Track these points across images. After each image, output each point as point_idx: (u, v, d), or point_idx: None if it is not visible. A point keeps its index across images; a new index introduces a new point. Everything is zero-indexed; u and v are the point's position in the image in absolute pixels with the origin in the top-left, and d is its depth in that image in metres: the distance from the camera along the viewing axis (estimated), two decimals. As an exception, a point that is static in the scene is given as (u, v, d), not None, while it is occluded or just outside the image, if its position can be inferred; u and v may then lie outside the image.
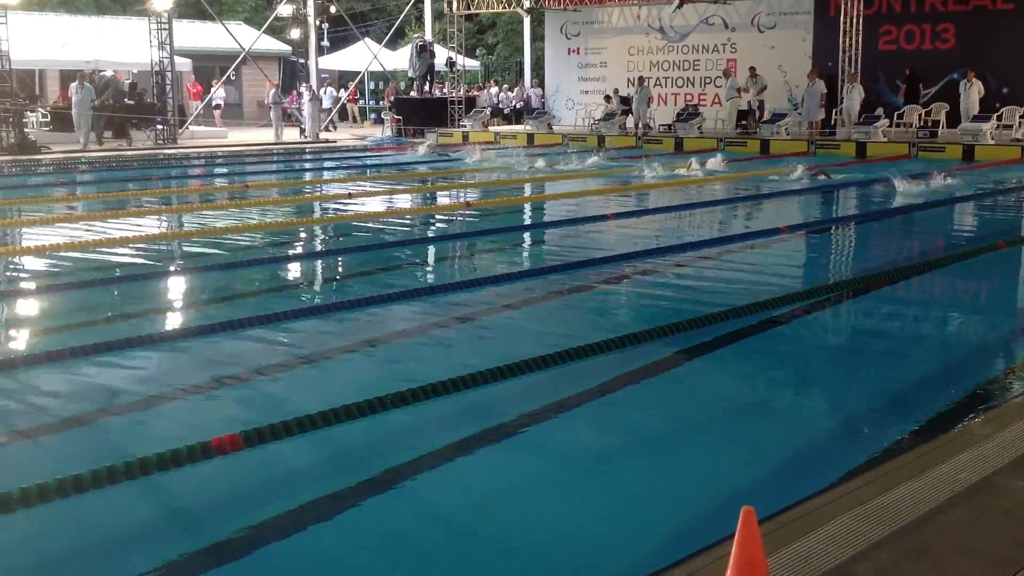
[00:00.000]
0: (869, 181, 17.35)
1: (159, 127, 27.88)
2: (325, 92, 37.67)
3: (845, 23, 24.47)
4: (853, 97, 24.31)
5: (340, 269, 10.54)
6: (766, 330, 7.37)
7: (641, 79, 28.41)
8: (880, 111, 24.55)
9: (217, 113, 34.98)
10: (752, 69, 26.47)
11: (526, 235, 12.99)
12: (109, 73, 29.44)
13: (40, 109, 30.02)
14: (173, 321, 8.19)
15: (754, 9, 28.01)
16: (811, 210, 14.95)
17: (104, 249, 10.81)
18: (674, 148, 25.90)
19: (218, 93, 34.54)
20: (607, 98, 29.56)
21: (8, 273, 9.96)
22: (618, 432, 5.41)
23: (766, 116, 26.20)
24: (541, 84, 34.96)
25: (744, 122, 26.74)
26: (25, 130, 25.00)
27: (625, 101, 29.01)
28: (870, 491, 3.85)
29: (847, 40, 24.51)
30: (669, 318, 7.38)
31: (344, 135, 32.61)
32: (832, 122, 25.27)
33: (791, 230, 12.14)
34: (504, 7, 32.85)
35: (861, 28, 24.38)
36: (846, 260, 11.58)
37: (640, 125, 27.86)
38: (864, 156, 22.89)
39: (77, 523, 4.23)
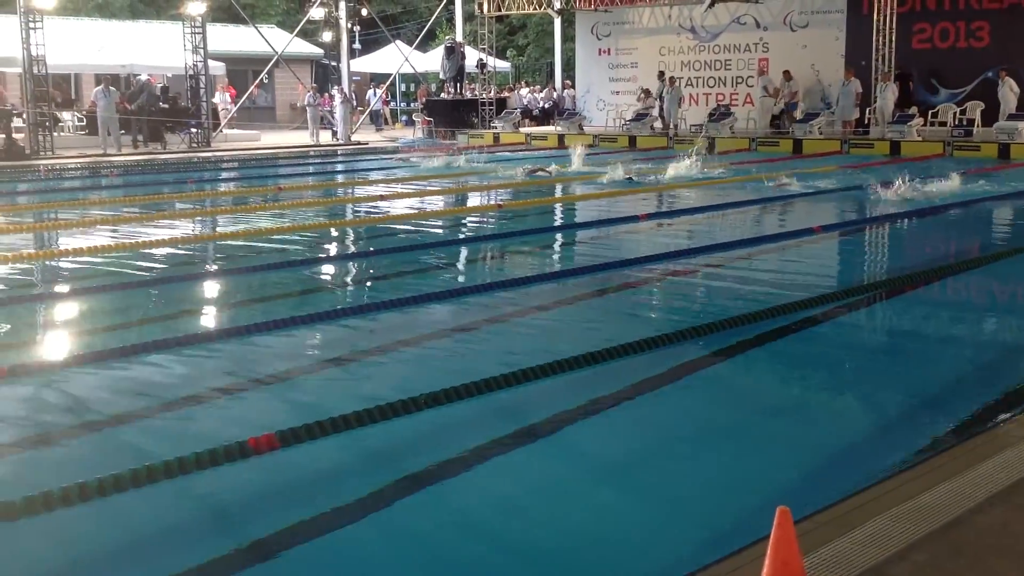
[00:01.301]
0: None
1: (193, 130, 28.12)
2: (373, 93, 38.01)
3: (879, 21, 24.30)
4: (887, 96, 24.13)
5: (373, 270, 10.58)
6: (799, 331, 7.32)
7: (672, 79, 28.33)
8: (914, 110, 24.35)
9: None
10: (787, 73, 26.28)
11: (558, 236, 12.98)
12: (144, 77, 29.74)
13: (76, 113, 30.39)
14: (208, 323, 8.26)
15: (786, 8, 27.84)
16: (837, 213, 14.82)
17: (137, 252, 10.91)
18: (706, 148, 25.81)
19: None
20: (646, 92, 29.44)
21: (45, 276, 10.07)
22: (652, 433, 5.40)
23: (799, 116, 26.04)
24: (572, 85, 34.93)
25: (778, 121, 26.56)
26: (55, 133, 25.36)
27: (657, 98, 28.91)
28: (907, 491, 3.83)
29: (880, 38, 24.33)
30: (701, 319, 7.36)
31: (375, 137, 32.72)
32: (866, 121, 25.10)
33: (824, 230, 12.06)
34: (535, 8, 32.84)
35: (895, 26, 24.20)
36: (877, 261, 11.50)
37: (671, 126, 27.78)
38: (898, 155, 22.71)
39: (117, 522, 4.27)
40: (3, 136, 23.56)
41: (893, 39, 24.20)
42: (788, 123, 26.06)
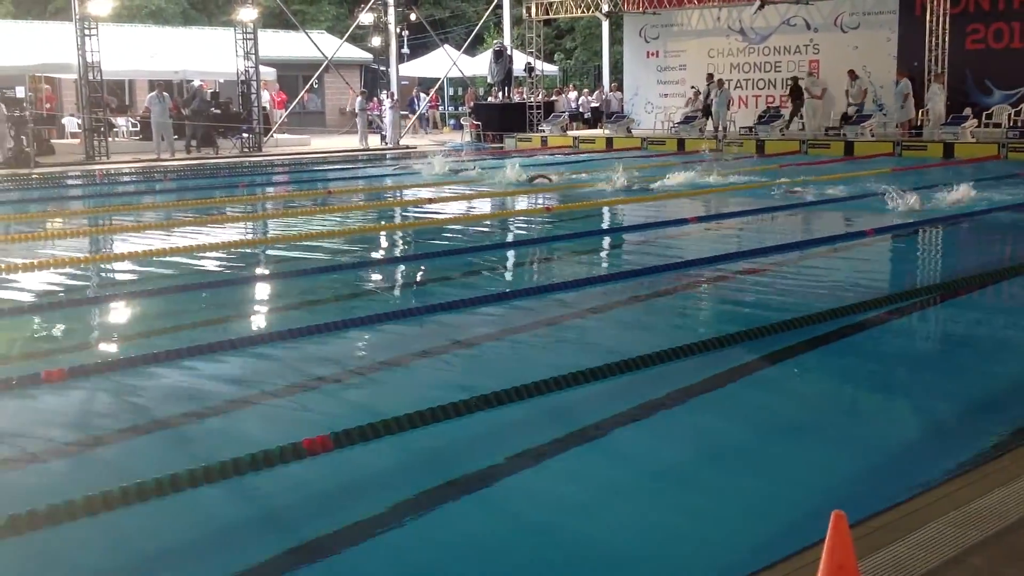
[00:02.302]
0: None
1: (244, 135, 28.44)
2: (417, 97, 38.27)
3: (931, 22, 24.01)
4: (938, 97, 23.83)
5: (422, 273, 10.64)
6: (850, 335, 7.26)
7: (720, 81, 28.19)
8: (968, 111, 24.03)
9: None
10: (852, 72, 26.00)
11: (605, 239, 12.98)
12: (197, 83, 30.13)
13: (130, 118, 30.85)
14: (261, 325, 8.35)
15: (837, 9, 27.58)
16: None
17: (191, 255, 11.07)
18: (755, 151, 25.68)
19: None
20: (696, 93, 29.31)
21: (101, 279, 10.25)
22: (702, 436, 5.38)
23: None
24: (619, 88, 34.86)
25: (849, 119, 26.12)
26: (110, 139, 25.74)
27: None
28: (963, 495, 3.80)
29: (933, 39, 24.04)
30: (750, 322, 7.33)
31: (423, 141, 32.89)
32: (919, 123, 24.81)
33: (876, 233, 11.94)
34: (582, 11, 32.82)
35: (948, 27, 23.89)
36: (929, 264, 11.37)
37: (720, 128, 27.66)
38: (951, 157, 22.43)
39: (175, 522, 4.34)
40: (12, 143, 23.84)
41: (946, 40, 23.90)
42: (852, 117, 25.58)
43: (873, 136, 24.95)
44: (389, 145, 30.62)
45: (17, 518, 4.05)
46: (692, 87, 29.62)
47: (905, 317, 8.00)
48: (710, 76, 28.56)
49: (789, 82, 28.17)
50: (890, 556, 3.30)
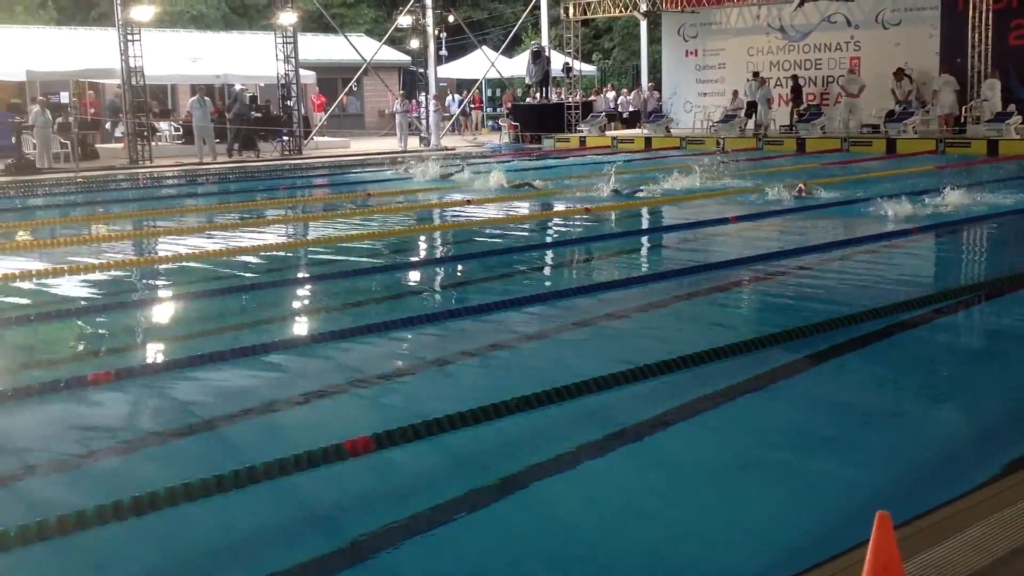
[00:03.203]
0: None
1: (285, 138, 28.66)
2: (453, 100, 38.41)
3: (974, 18, 23.70)
4: (995, 91, 23.51)
5: (461, 274, 10.68)
6: (892, 335, 7.20)
7: (763, 79, 28.07)
8: (1012, 108, 23.71)
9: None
10: (900, 71, 25.75)
11: (644, 239, 12.95)
12: (238, 87, 30.42)
13: (172, 122, 31.20)
14: (302, 327, 8.41)
15: (878, 6, 27.30)
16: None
17: (231, 258, 11.18)
18: (796, 149, 25.51)
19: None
20: (734, 93, 29.21)
21: (144, 281, 10.37)
22: (743, 437, 5.35)
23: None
24: (657, 87, 34.75)
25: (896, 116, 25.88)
26: (153, 143, 26.01)
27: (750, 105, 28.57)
28: (1010, 496, 3.75)
29: (976, 35, 23.74)
30: (791, 323, 7.29)
31: (461, 142, 32.96)
32: (962, 120, 24.51)
33: (920, 231, 11.82)
34: (620, 11, 32.74)
35: (991, 23, 23.59)
36: (973, 263, 11.24)
37: (763, 126, 27.51)
38: (996, 155, 22.15)
39: (220, 522, 4.39)
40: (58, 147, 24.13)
41: (989, 36, 23.59)
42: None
43: (916, 133, 24.69)
44: (432, 147, 30.74)
45: (64, 519, 4.11)
46: (734, 91, 29.41)
47: (948, 316, 7.91)
48: (756, 74, 28.35)
49: (789, 80, 28.40)
50: (935, 557, 3.27)
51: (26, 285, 9.70)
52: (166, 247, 12.39)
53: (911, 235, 11.62)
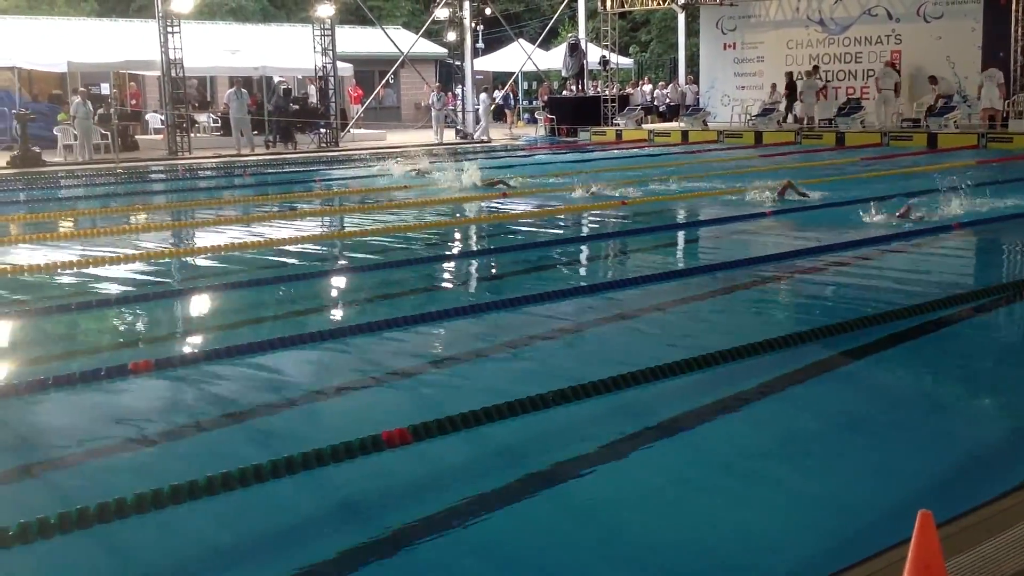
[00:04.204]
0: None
1: (322, 131, 28.78)
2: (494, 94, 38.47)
3: (1017, 11, 23.38)
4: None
5: (496, 267, 10.68)
6: (932, 332, 7.12)
7: (810, 71, 27.97)
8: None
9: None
10: (932, 78, 25.49)
11: (680, 233, 12.88)
12: (276, 79, 30.58)
13: (211, 114, 31.41)
14: (338, 319, 8.45)
15: (920, -1, 27.02)
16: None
17: (267, 249, 11.25)
18: (835, 143, 25.30)
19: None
20: (773, 86, 29.01)
21: (183, 272, 10.46)
22: (781, 433, 5.32)
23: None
24: (695, 80, 34.55)
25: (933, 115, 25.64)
26: (192, 134, 26.09)
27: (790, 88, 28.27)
28: (1054, 496, 3.70)
29: (1020, 30, 23.41)
30: (827, 318, 7.23)
31: (497, 135, 32.95)
32: (1005, 114, 24.19)
33: (962, 227, 11.67)
34: (659, 3, 32.60)
35: (1034, 17, 23.28)
36: (1013, 260, 11.09)
37: (805, 118, 27.31)
38: (1039, 149, 21.87)
39: (258, 511, 4.41)
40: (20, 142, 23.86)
41: (1032, 30, 23.29)
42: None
43: (957, 128, 24.40)
44: (477, 139, 30.80)
45: (105, 506, 4.16)
46: (772, 84, 29.17)
47: (988, 313, 7.81)
48: (816, 68, 28.08)
49: (785, 77, 28.51)
50: (978, 557, 3.23)
51: (65, 275, 9.80)
52: (204, 238, 12.49)
53: (953, 231, 11.48)
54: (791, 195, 14.30)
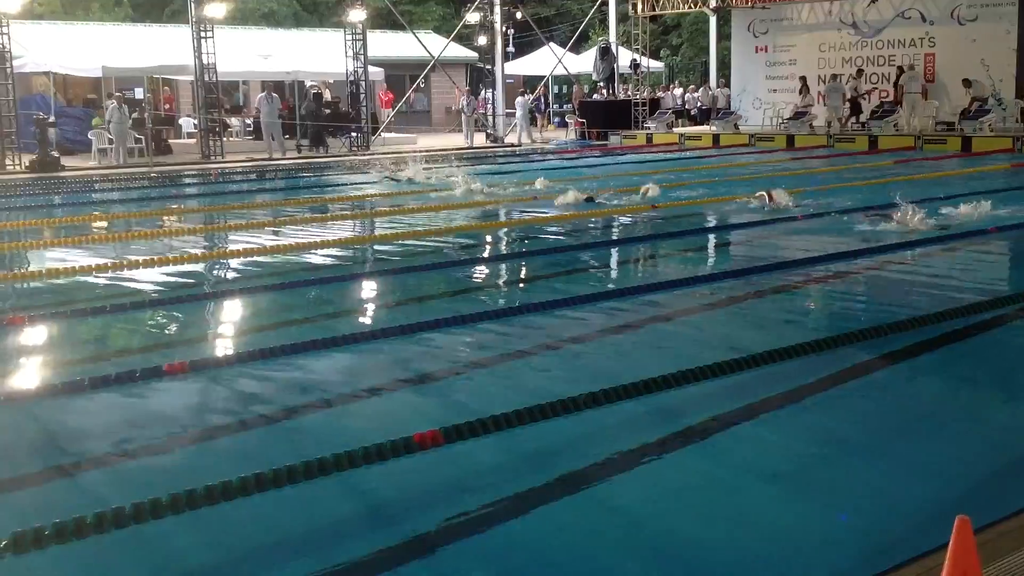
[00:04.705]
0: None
1: (353, 135, 28.91)
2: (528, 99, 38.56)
3: (1052, 14, 23.16)
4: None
5: (526, 271, 10.69)
6: (969, 336, 7.06)
7: (835, 75, 27.78)
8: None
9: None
10: (967, 81, 25.28)
11: (711, 236, 12.83)
12: (309, 84, 30.73)
13: (243, 118, 31.64)
14: (368, 321, 8.47)
15: (954, 1, 26.75)
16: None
17: (297, 252, 11.31)
18: (868, 146, 25.13)
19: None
20: (802, 81, 28.85)
21: (215, 275, 10.53)
22: (814, 438, 5.28)
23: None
24: (726, 84, 34.42)
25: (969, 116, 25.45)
26: (224, 139, 26.25)
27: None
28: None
29: (1055, 32, 23.19)
30: (862, 322, 7.18)
31: (526, 139, 32.93)
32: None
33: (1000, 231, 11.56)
34: (690, 7, 32.50)
35: (1072, 19, 23.03)
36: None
37: (835, 121, 27.19)
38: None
39: (290, 512, 4.44)
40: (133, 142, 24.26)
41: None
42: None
43: (992, 131, 24.17)
44: (519, 143, 30.88)
45: (140, 507, 4.19)
46: (802, 79, 29.02)
47: (1019, 320, 7.72)
48: (860, 71, 27.90)
49: (799, 81, 28.65)
50: (1015, 564, 3.20)
51: (100, 278, 9.89)
52: (235, 241, 12.57)
53: (989, 235, 11.37)
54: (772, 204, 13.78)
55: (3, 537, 3.91)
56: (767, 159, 23.23)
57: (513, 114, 33.17)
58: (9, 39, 23.01)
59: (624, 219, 14.05)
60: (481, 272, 10.85)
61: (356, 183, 19.66)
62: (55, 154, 23.27)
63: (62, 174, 22.33)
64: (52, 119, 23.97)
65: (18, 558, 3.88)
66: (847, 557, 3.89)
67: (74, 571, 3.99)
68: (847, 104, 27.57)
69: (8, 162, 23.11)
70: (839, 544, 4.02)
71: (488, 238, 13.13)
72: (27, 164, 22.94)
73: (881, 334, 6.85)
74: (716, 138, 28.71)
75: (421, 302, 8.94)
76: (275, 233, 13.18)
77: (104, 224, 14.11)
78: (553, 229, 13.17)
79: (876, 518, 4.24)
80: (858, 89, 27.64)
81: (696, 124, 33.70)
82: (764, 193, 14.13)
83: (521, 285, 10.06)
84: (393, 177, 19.44)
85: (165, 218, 15.23)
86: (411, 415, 5.65)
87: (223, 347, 7.50)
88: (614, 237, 12.98)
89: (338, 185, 19.84)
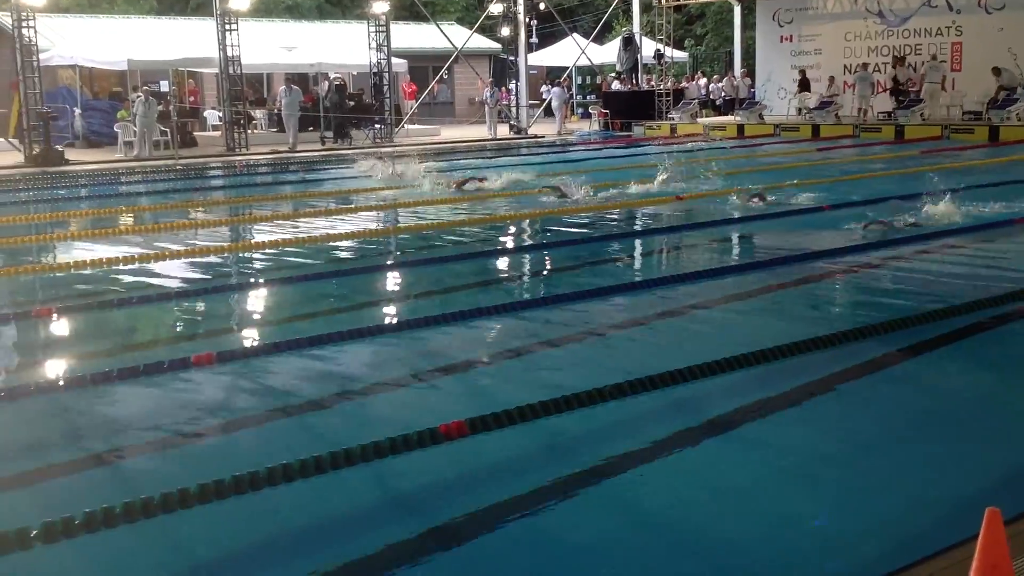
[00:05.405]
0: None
1: (377, 126, 28.95)
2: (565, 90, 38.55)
3: (1084, 1, 22.90)
4: None
5: (551, 263, 10.68)
6: (991, 328, 7.00)
7: (865, 64, 27.58)
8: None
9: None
10: (996, 69, 25.05)
11: (734, 228, 12.77)
12: (332, 75, 30.78)
13: (267, 111, 31.72)
14: (394, 313, 8.50)
15: (981, -11, 26.53)
16: None
17: (321, 244, 11.34)
18: (894, 136, 24.95)
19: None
20: (831, 79, 28.71)
21: (241, 266, 10.58)
22: (838, 430, 5.26)
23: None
24: (750, 74, 34.23)
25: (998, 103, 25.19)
26: (249, 131, 26.25)
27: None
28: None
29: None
30: (883, 315, 7.14)
31: (548, 130, 32.89)
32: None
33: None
34: (714, -4, 32.35)
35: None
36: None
37: (860, 111, 27.02)
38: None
39: (316, 502, 4.46)
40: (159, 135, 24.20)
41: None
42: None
43: (1020, 120, 23.93)
44: (560, 134, 30.89)
45: (169, 496, 4.22)
46: (830, 77, 28.86)
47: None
48: (902, 59, 27.69)
49: (798, 76, 29.02)
50: (1046, 556, 3.18)
51: (127, 270, 9.96)
52: (259, 232, 12.62)
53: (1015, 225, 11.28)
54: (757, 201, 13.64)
55: (34, 527, 3.96)
56: (789, 149, 23.09)
57: (536, 105, 33.13)
58: (36, 32, 23.18)
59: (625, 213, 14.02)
60: (502, 265, 10.86)
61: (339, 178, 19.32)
62: (58, 148, 23.29)
63: (65, 168, 22.27)
64: (54, 113, 23.94)
65: (48, 547, 3.92)
66: (875, 549, 3.87)
67: (104, 560, 4.02)
68: (885, 92, 27.39)
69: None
70: (866, 536, 4.00)
71: (478, 232, 13.14)
72: (29, 158, 22.82)
73: (904, 326, 6.80)
74: (741, 128, 28.58)
75: (445, 294, 8.95)
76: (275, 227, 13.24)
77: (130, 218, 14.22)
78: (571, 222, 13.16)
79: (905, 510, 4.23)
80: (898, 78, 27.32)
81: (720, 114, 33.53)
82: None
83: (544, 277, 10.06)
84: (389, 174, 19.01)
85: (160, 212, 15.31)
86: (436, 406, 5.67)
87: (249, 338, 7.54)
88: (637, 228, 12.95)
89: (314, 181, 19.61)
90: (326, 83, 30.38)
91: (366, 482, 4.64)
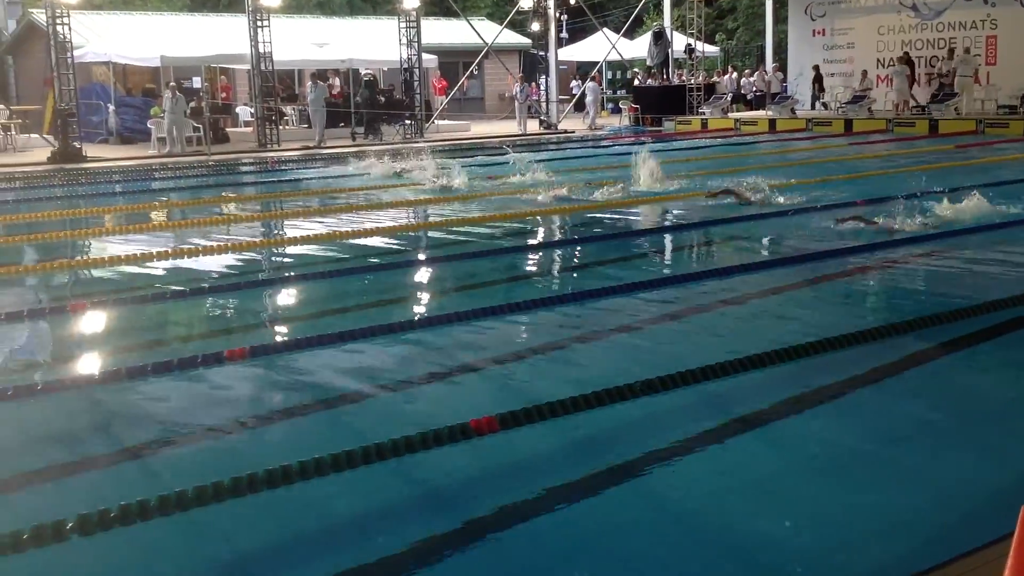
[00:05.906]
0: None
1: (407, 122, 29.02)
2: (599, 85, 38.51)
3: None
4: None
5: (580, 258, 10.67)
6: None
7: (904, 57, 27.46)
8: None
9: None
10: None
11: (762, 223, 12.68)
12: (363, 71, 30.89)
13: (298, 107, 31.87)
14: (423, 309, 8.52)
15: (1017, -18, 26.23)
16: None
17: (353, 240, 11.38)
18: (928, 131, 24.73)
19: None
20: (864, 73, 28.47)
21: (271, 261, 10.64)
22: (874, 425, 5.22)
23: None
24: (781, 68, 34.02)
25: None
26: (280, 127, 26.37)
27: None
28: None
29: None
30: (917, 310, 7.08)
31: (578, 125, 32.85)
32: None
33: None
34: (745, -10, 32.15)
35: None
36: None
37: (896, 105, 26.80)
38: None
39: (345, 497, 4.49)
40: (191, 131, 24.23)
41: None
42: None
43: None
44: (592, 129, 30.85)
45: (203, 490, 4.26)
46: (863, 71, 28.62)
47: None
48: (951, 51, 27.45)
49: (812, 71, 29.25)
50: (1081, 555, 3.14)
51: (161, 265, 10.05)
52: (290, 228, 12.68)
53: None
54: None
55: (70, 519, 4.00)
56: (822, 144, 22.93)
57: (566, 101, 33.07)
58: (70, 29, 23.39)
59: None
60: (538, 259, 10.86)
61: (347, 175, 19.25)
62: (77, 145, 23.35)
63: (84, 165, 22.21)
64: (73, 111, 24.03)
65: (85, 539, 3.96)
66: (909, 546, 3.84)
67: (138, 553, 4.06)
68: (929, 87, 27.17)
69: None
70: (900, 533, 3.98)
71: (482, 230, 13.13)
72: (48, 156, 22.88)
73: (937, 322, 6.75)
74: (772, 123, 28.42)
75: (477, 288, 8.96)
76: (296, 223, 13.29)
77: (160, 213, 14.33)
78: (598, 217, 13.13)
79: (939, 507, 4.20)
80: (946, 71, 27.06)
81: (752, 109, 33.37)
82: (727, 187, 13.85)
83: (574, 272, 10.05)
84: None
85: (175, 209, 15.42)
86: (467, 401, 5.68)
87: (281, 333, 7.58)
88: (667, 224, 12.91)
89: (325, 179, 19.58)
90: (336, 78, 30.54)
91: (397, 477, 4.66)
